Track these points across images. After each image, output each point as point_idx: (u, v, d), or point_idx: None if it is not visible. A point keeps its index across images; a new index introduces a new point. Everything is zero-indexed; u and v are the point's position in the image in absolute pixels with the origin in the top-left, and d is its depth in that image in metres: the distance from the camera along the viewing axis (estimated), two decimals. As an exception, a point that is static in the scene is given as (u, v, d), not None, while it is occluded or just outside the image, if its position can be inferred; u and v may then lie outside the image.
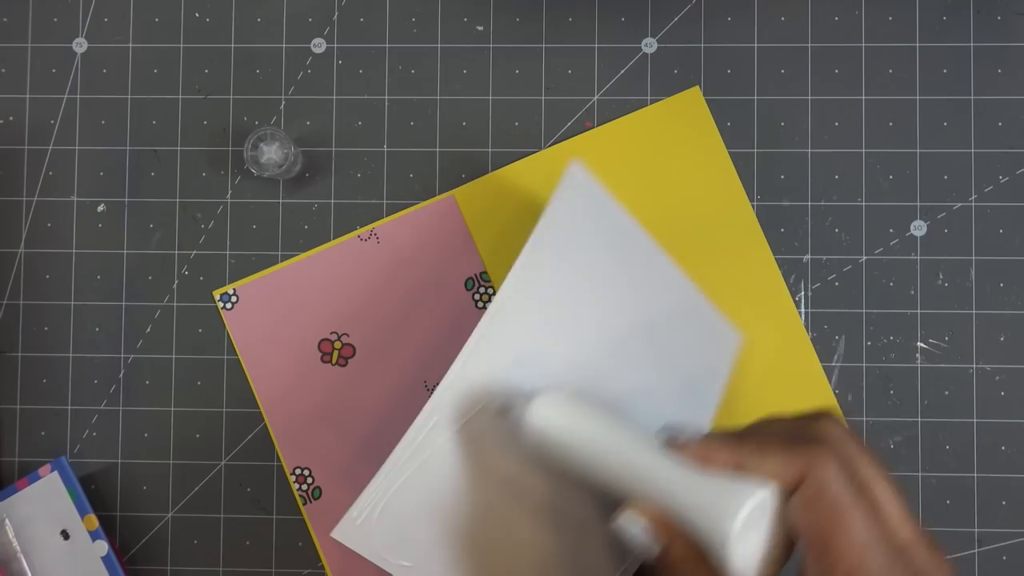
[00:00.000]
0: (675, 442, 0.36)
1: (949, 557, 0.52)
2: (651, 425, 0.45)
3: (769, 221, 0.53)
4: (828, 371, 0.52)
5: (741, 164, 0.53)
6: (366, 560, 0.46)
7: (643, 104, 0.53)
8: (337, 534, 0.43)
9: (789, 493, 0.33)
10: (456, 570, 0.45)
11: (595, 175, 0.49)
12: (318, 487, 0.52)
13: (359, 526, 0.43)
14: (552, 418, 0.38)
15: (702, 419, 0.49)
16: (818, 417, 0.35)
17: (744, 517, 0.32)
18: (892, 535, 0.32)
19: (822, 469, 0.32)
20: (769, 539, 0.33)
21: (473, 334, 0.43)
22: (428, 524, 0.44)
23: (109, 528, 0.53)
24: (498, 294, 0.44)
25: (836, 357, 0.52)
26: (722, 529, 0.32)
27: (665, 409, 0.48)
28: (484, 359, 0.44)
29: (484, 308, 0.44)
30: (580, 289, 0.47)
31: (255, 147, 0.51)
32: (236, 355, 0.53)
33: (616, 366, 0.47)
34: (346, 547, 0.46)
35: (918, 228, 0.53)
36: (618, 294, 0.48)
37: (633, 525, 0.34)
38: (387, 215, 0.53)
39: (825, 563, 0.32)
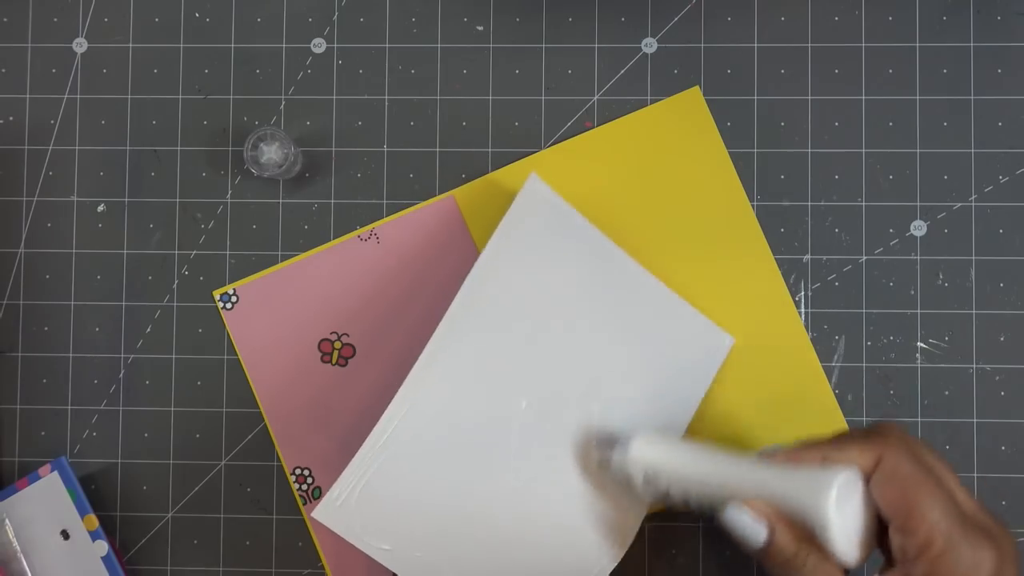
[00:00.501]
0: (766, 453, 0.42)
1: None
2: (630, 425, 0.48)
3: (769, 221, 0.53)
4: (828, 371, 0.52)
5: (741, 164, 0.53)
6: (365, 560, 0.46)
7: (643, 104, 0.53)
8: (318, 514, 0.45)
9: (868, 477, 0.39)
10: (436, 556, 0.46)
11: (555, 188, 0.51)
12: (318, 487, 0.52)
13: (339, 507, 0.45)
14: (653, 453, 0.45)
15: (680, 419, 0.50)
16: (881, 421, 0.42)
17: (835, 492, 0.38)
18: (960, 503, 0.38)
19: (893, 453, 0.39)
20: (860, 516, 0.39)
21: (437, 329, 0.46)
22: (406, 509, 0.46)
23: (109, 528, 0.53)
24: (456, 299, 0.46)
25: (836, 357, 0.52)
26: (819, 504, 0.38)
27: (641, 410, 0.49)
28: (450, 350, 0.46)
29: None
30: (540, 296, 0.48)
31: (255, 147, 0.51)
32: (236, 355, 0.53)
33: (586, 369, 0.49)
34: (345, 547, 0.46)
35: (918, 228, 0.53)
36: (583, 301, 0.49)
37: (742, 515, 0.40)
38: (387, 215, 0.53)
39: (908, 529, 0.37)
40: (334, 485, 0.45)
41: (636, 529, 0.48)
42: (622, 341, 0.50)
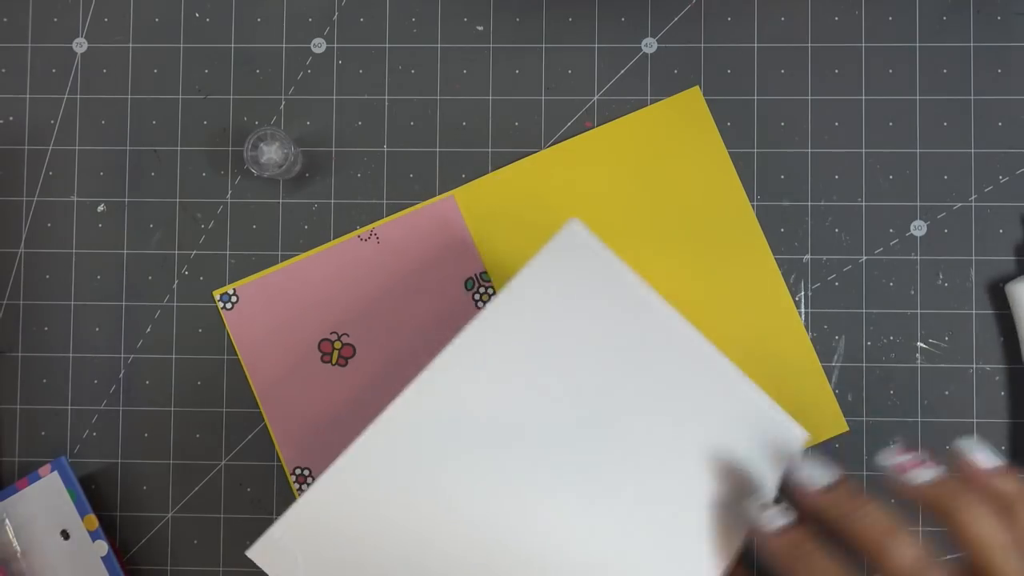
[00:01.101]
0: None
1: (948, 557, 0.52)
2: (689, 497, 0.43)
3: (769, 221, 0.53)
4: (828, 371, 0.52)
5: (741, 164, 0.53)
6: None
7: (643, 104, 0.53)
8: (253, 554, 0.40)
9: None
10: None
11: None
12: (318, 487, 0.52)
13: (279, 548, 0.40)
14: None
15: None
16: None
17: None
18: None
19: None
20: None
21: (423, 371, 0.41)
22: (369, 559, 0.41)
23: (109, 528, 0.53)
24: (456, 340, 0.42)
25: (836, 357, 0.52)
26: None
27: (691, 479, 0.43)
28: (426, 402, 0.42)
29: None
30: (562, 346, 0.43)
31: (255, 147, 0.51)
32: (236, 355, 0.53)
33: (613, 427, 0.43)
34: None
35: (918, 228, 0.53)
36: (611, 355, 0.44)
37: None
38: (387, 215, 0.53)
39: None
40: (277, 522, 0.40)
41: None
42: (663, 405, 0.44)
